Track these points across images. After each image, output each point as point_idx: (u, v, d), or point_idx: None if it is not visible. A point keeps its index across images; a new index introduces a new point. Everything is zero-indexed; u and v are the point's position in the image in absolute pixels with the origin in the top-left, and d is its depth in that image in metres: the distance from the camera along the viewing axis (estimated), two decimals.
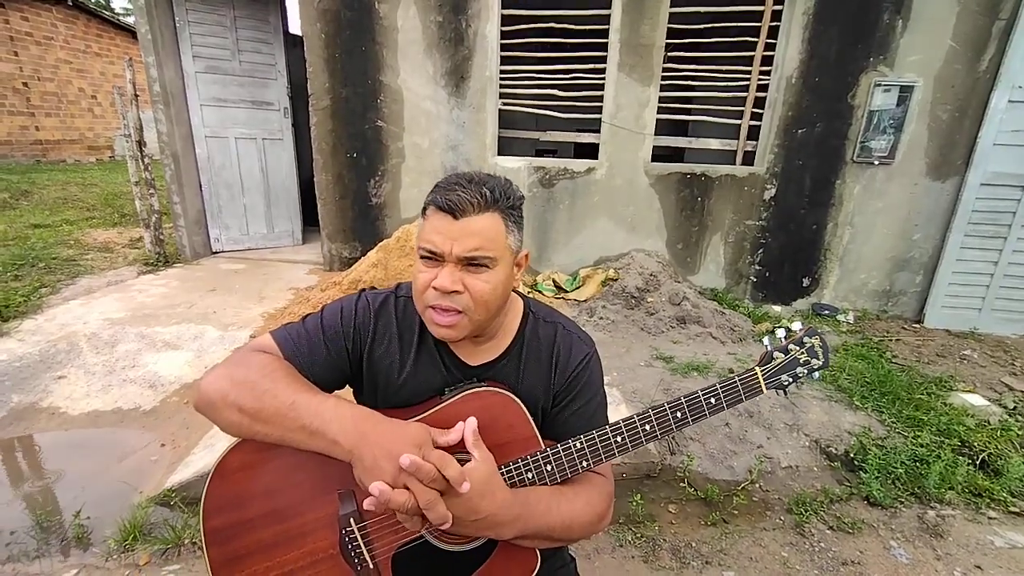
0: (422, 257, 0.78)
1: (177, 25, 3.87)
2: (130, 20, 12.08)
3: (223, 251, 4.47)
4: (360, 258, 3.46)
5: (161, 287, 3.56)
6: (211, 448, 2.01)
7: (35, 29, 8.98)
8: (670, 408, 0.83)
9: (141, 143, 3.83)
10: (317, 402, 0.72)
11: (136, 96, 3.74)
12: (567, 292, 3.72)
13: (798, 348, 0.86)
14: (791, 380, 0.85)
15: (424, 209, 0.80)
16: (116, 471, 1.99)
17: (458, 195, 0.74)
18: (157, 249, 4.04)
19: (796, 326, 0.88)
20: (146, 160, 3.89)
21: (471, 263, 0.76)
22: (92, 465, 2.02)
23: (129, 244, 4.57)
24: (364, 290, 0.93)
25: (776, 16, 3.39)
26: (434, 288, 0.76)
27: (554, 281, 3.82)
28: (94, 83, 10.26)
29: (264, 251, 4.60)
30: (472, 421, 0.75)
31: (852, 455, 2.12)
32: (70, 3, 9.60)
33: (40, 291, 3.32)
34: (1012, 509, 1.93)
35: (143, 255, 4.17)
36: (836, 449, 2.16)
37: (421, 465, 0.66)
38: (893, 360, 2.98)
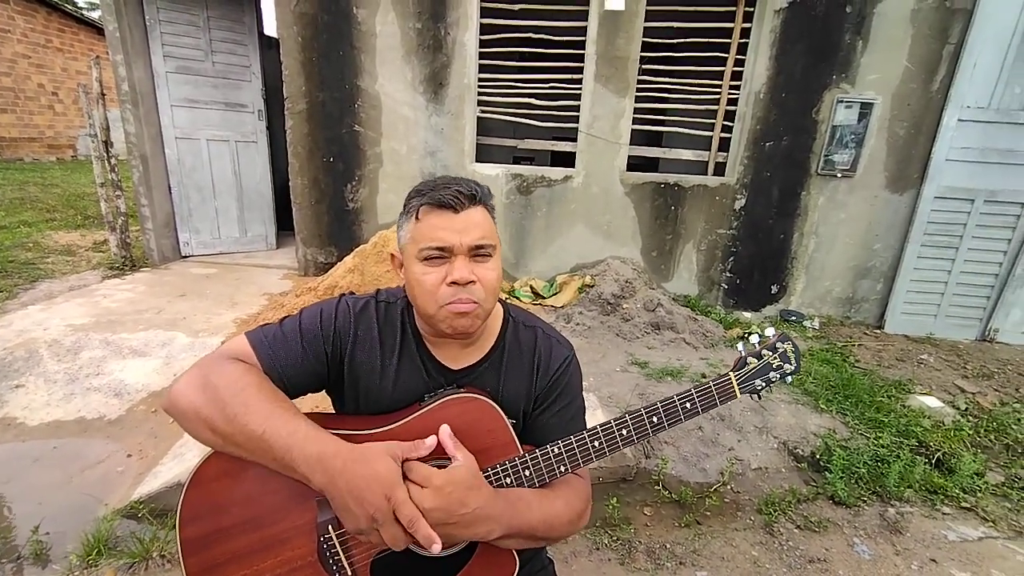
0: (426, 259, 0.78)
1: (147, 23, 3.78)
2: (95, 15, 11.68)
3: (193, 255, 4.35)
4: (336, 263, 3.43)
5: (127, 292, 3.44)
6: (180, 458, 1.95)
7: None
8: (646, 413, 0.84)
9: (108, 143, 3.71)
10: (287, 434, 0.70)
11: (102, 95, 3.63)
12: (544, 298, 3.76)
13: (771, 353, 0.88)
14: (764, 384, 0.87)
15: (414, 213, 0.80)
16: (79, 483, 1.91)
17: (453, 191, 0.77)
18: (123, 253, 3.91)
19: (769, 332, 0.90)
20: (112, 161, 3.77)
21: (478, 253, 0.79)
22: (52, 477, 1.93)
23: (93, 247, 4.41)
24: (344, 294, 0.92)
25: (745, 33, 3.52)
26: (451, 283, 0.77)
27: (531, 287, 3.85)
28: (55, 79, 9.87)
29: (237, 255, 4.49)
30: (445, 427, 0.77)
31: (818, 456, 2.20)
32: None
33: None
34: (964, 504, 2.04)
35: (108, 259, 4.02)
36: (803, 450, 2.24)
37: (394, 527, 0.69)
38: (856, 364, 3.11)
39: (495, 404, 0.83)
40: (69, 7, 10.77)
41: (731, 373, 0.87)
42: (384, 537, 0.69)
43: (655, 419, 0.84)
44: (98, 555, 1.60)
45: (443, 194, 0.77)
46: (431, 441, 0.76)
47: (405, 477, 0.71)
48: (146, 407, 2.32)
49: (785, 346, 0.88)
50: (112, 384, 2.42)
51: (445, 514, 0.70)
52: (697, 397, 0.85)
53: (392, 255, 0.89)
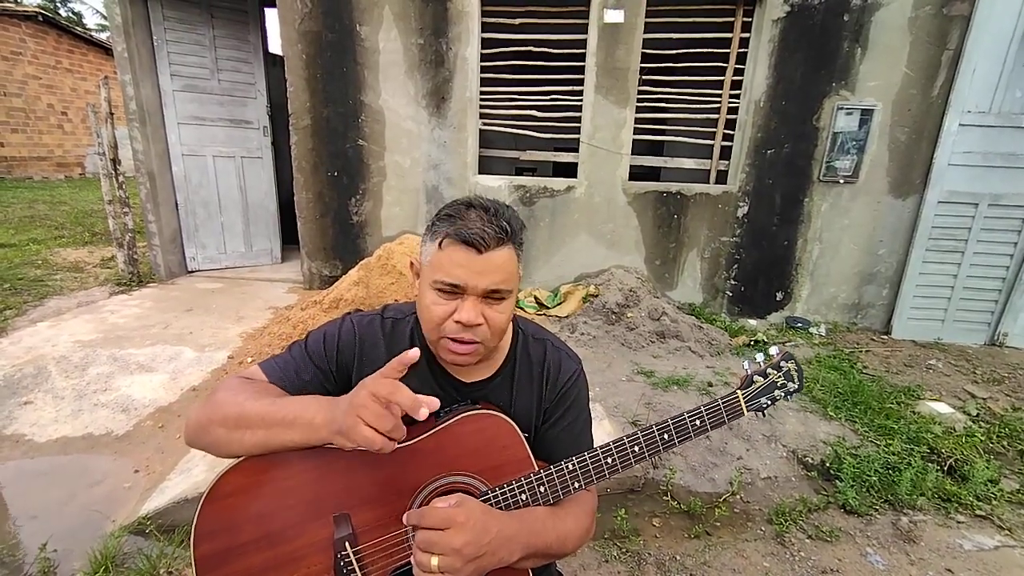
0: (439, 290, 0.77)
1: (155, 43, 3.85)
2: (103, 36, 11.92)
3: (199, 270, 4.39)
4: (341, 276, 3.45)
5: (134, 307, 3.47)
6: (187, 473, 1.95)
7: (2, 44, 8.79)
8: (658, 430, 0.86)
9: (115, 161, 3.77)
10: (295, 398, 0.77)
11: (111, 114, 3.69)
12: (549, 309, 3.76)
13: (776, 372, 0.90)
14: (769, 402, 0.90)
15: (439, 240, 0.77)
16: (86, 500, 1.91)
17: (481, 228, 0.74)
18: (130, 268, 3.95)
19: (774, 351, 0.92)
20: (120, 178, 3.82)
21: (491, 296, 0.77)
22: (60, 494, 1.94)
23: (101, 263, 4.45)
24: (349, 313, 0.93)
25: (744, 43, 3.56)
26: (456, 322, 0.76)
27: (536, 298, 3.85)
28: (64, 99, 10.05)
29: (242, 270, 4.53)
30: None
31: (828, 464, 2.18)
32: (40, 19, 9.44)
33: (5, 313, 3.20)
34: (978, 512, 2.01)
35: (115, 275, 4.06)
36: (812, 459, 2.22)
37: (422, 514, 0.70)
38: (864, 371, 3.08)
39: (512, 421, 0.84)
40: (79, 29, 11.00)
41: (739, 391, 0.89)
42: (395, 395, 0.67)
43: (666, 436, 0.86)
44: (105, 572, 1.59)
45: (471, 231, 0.73)
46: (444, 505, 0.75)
47: (421, 527, 0.70)
48: (153, 422, 2.33)
49: (789, 365, 0.91)
50: (119, 400, 2.43)
51: (476, 547, 0.70)
52: (706, 414, 0.87)
53: (412, 262, 0.87)
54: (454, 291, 0.76)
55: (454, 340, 0.78)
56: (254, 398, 0.77)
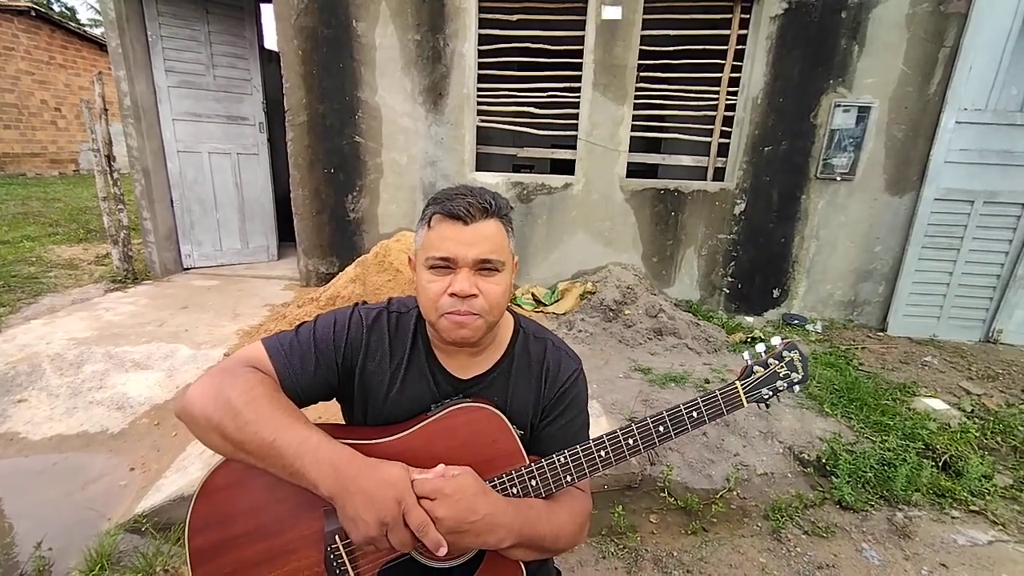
0: (431, 267, 0.79)
1: (149, 39, 3.82)
2: (97, 32, 11.83)
3: (195, 267, 4.36)
4: (337, 273, 3.44)
5: (130, 305, 3.45)
6: (183, 471, 1.95)
7: None
8: (652, 422, 0.84)
9: (110, 157, 3.74)
10: (298, 442, 0.71)
11: (105, 110, 3.66)
12: (546, 306, 3.76)
13: (777, 362, 0.87)
14: (771, 393, 0.87)
15: (427, 221, 0.81)
16: (81, 498, 1.91)
17: (466, 202, 0.77)
18: (125, 266, 3.92)
19: (775, 340, 0.89)
20: (115, 175, 3.80)
21: (483, 267, 0.79)
22: (55, 492, 1.93)
23: (95, 261, 4.42)
24: (358, 304, 0.93)
25: (742, 40, 3.55)
26: (452, 295, 0.78)
27: (533, 295, 3.85)
28: (58, 95, 9.97)
29: (238, 267, 4.51)
30: (441, 467, 0.77)
31: (824, 460, 2.19)
32: (32, 14, 9.35)
33: None
34: (972, 508, 2.02)
35: (110, 272, 4.03)
36: (809, 455, 2.23)
37: (406, 539, 0.70)
38: (860, 367, 3.09)
39: (501, 414, 0.84)
40: (72, 24, 10.90)
41: (737, 382, 0.87)
42: (392, 541, 0.69)
43: (661, 428, 0.84)
44: (101, 570, 1.59)
45: (456, 205, 0.77)
46: (439, 469, 0.76)
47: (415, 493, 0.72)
48: (148, 420, 2.32)
49: (792, 355, 0.88)
50: (115, 397, 2.42)
51: (456, 522, 0.70)
52: (704, 406, 0.85)
53: (409, 258, 0.90)
54: (447, 266, 0.78)
55: (452, 314, 0.78)
56: (256, 425, 0.71)
